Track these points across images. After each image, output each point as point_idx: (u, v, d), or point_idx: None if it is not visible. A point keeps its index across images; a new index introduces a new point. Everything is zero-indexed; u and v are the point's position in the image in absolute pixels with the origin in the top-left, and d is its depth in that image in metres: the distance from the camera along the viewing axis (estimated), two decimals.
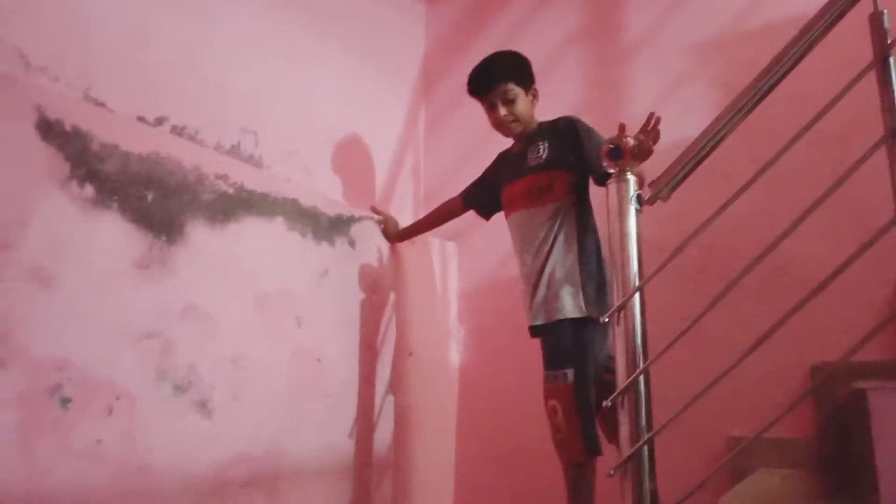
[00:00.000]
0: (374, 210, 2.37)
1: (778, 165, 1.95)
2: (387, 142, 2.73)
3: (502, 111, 1.96)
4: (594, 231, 1.93)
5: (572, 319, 1.82)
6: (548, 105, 2.72)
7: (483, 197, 2.17)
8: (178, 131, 1.81)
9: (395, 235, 2.38)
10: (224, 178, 1.74)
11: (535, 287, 1.89)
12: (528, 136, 2.01)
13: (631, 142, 1.63)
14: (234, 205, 1.76)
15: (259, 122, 2.04)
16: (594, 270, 1.89)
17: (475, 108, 2.95)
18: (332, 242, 2.07)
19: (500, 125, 2.00)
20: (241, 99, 2.02)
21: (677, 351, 2.11)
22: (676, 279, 2.34)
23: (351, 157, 2.45)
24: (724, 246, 2.28)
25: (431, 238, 2.62)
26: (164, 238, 1.58)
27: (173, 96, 1.82)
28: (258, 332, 1.78)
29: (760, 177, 1.47)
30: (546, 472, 2.07)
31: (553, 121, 2.00)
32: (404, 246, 2.47)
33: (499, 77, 1.96)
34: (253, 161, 2.00)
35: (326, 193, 2.17)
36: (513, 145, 2.10)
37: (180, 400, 1.56)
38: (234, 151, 1.96)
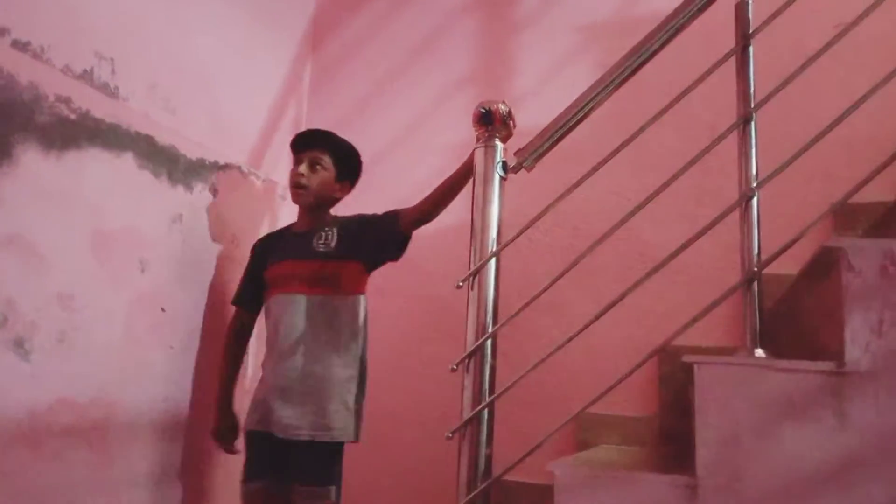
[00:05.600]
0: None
1: (650, 154, 2.02)
2: (267, 92, 2.60)
3: (301, 169, 1.87)
4: (366, 339, 1.89)
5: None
6: (437, 74, 2.69)
7: (254, 293, 1.95)
8: (20, 47, 1.63)
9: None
10: (66, 101, 1.59)
11: (301, 389, 1.76)
12: (318, 220, 1.92)
13: (502, 108, 1.62)
14: (76, 132, 1.61)
15: (118, 50, 1.88)
16: (364, 388, 1.85)
17: (365, 69, 2.90)
18: (189, 187, 1.94)
19: (291, 183, 1.90)
20: (100, 21, 1.84)
21: (545, 329, 2.16)
22: (547, 258, 2.38)
23: (223, 102, 2.31)
24: (590, 229, 2.32)
25: None
26: None
27: (18, 6, 1.64)
28: (93, 272, 1.65)
29: (617, 155, 1.47)
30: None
31: (346, 217, 1.95)
32: (275, 201, 2.37)
33: (319, 144, 1.90)
34: (107, 90, 1.84)
35: (191, 136, 2.04)
36: (293, 225, 2.00)
37: None
38: (86, 77, 1.79)
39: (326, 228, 1.90)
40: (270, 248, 1.95)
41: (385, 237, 1.87)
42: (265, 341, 1.90)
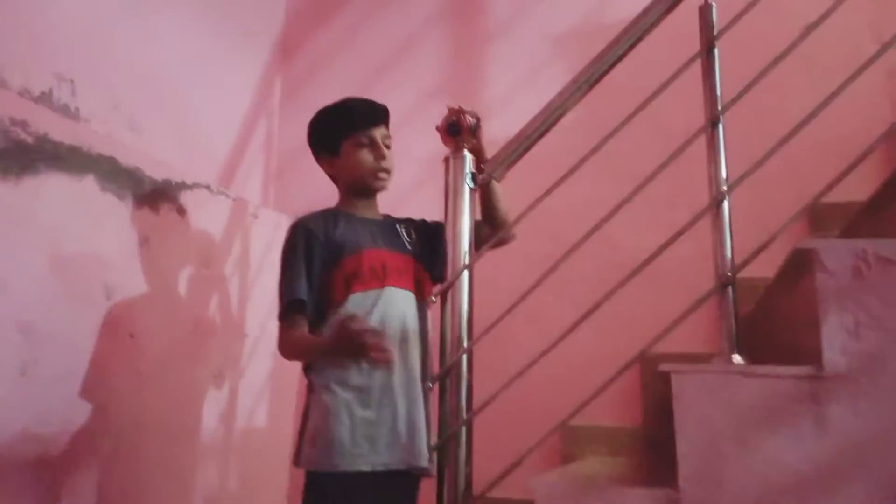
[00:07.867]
0: None
1: (628, 163, 1.99)
2: (236, 108, 2.57)
3: (387, 153, 1.59)
4: None
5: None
6: (409, 86, 2.67)
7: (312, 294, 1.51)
8: None
9: None
10: (23, 124, 1.55)
11: (409, 410, 1.46)
12: (383, 214, 1.67)
13: (470, 119, 1.60)
14: (33, 156, 1.56)
15: (79, 70, 1.84)
16: None
17: (337, 83, 2.86)
18: (155, 209, 1.90)
19: (381, 168, 1.58)
20: (60, 41, 1.81)
21: (525, 340, 2.12)
22: (525, 267, 2.34)
23: (191, 120, 2.28)
24: (568, 238, 2.29)
25: (280, 215, 2.47)
26: None
27: None
28: (55, 299, 1.59)
29: (595, 165, 1.46)
30: None
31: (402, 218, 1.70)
32: (247, 220, 2.33)
33: (386, 117, 1.65)
34: (68, 112, 1.80)
35: (157, 155, 1.99)
36: (352, 209, 1.61)
37: None
38: (45, 99, 1.75)
39: (404, 224, 1.65)
40: (342, 234, 1.53)
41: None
42: None
